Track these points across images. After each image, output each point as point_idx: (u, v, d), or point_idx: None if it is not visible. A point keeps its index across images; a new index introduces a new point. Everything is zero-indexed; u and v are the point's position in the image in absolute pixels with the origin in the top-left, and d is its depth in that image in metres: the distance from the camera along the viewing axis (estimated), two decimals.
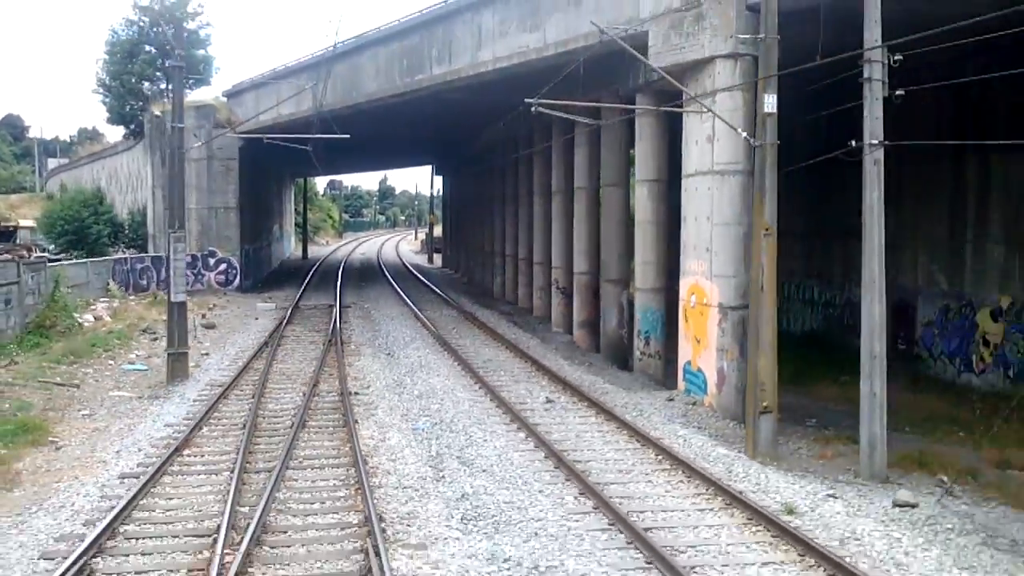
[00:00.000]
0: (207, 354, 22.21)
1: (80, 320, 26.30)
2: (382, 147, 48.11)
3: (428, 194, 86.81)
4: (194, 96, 41.65)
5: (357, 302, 33.73)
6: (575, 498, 10.86)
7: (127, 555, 9.22)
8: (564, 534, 9.59)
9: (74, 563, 8.63)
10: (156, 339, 24.13)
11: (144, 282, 34.03)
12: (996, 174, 19.54)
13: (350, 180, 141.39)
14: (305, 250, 67.89)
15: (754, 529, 9.86)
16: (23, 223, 63.20)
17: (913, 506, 10.77)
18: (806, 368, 19.76)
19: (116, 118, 47.35)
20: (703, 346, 16.20)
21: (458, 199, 54.65)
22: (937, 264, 21.55)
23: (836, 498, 11.01)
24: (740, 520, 10.10)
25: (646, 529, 9.61)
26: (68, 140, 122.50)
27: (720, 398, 15.68)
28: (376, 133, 37.87)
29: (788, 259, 18.25)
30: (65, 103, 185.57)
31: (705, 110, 15.11)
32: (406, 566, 8.73)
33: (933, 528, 10.18)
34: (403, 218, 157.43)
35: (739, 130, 13.96)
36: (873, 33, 12.25)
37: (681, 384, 17.12)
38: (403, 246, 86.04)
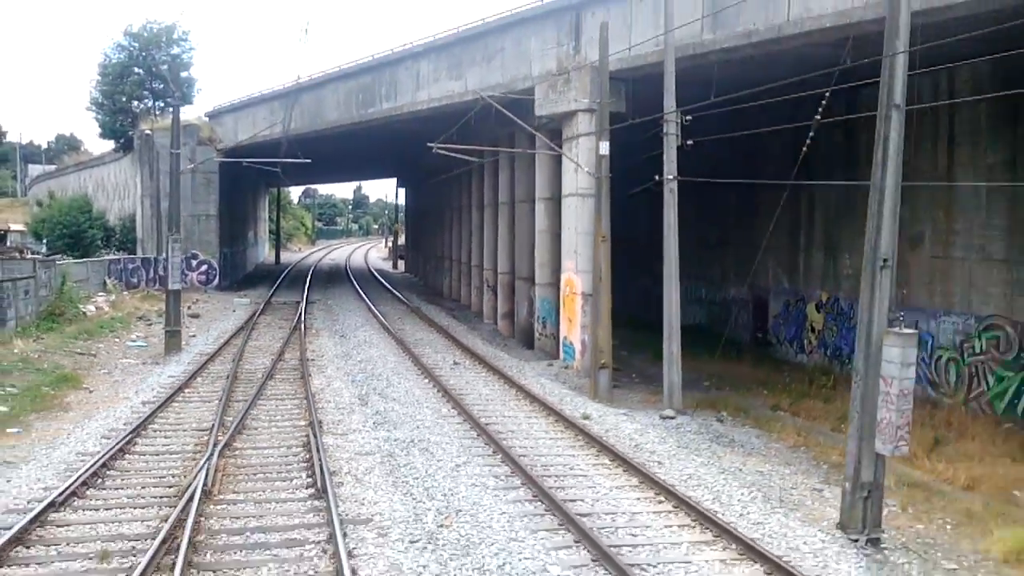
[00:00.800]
0: (194, 335, 27.36)
1: (84, 310, 31.33)
2: (348, 163, 53.61)
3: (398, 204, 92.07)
4: (186, 116, 46.75)
5: (321, 299, 38.98)
6: (448, 410, 16.35)
7: (155, 439, 14.49)
8: (433, 425, 15.09)
9: (123, 439, 13.90)
10: (151, 324, 29.28)
11: (135, 280, 39.01)
12: (818, 199, 25.14)
13: (325, 189, 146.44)
14: (278, 255, 72.90)
15: (560, 426, 15.35)
16: (13, 227, 67.90)
17: (672, 418, 16.28)
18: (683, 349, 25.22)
19: (107, 133, 52.22)
20: (573, 324, 21.67)
21: (416, 210, 60.07)
22: (782, 268, 27.10)
23: (626, 416, 16.51)
24: (551, 421, 15.64)
25: (487, 424, 15.07)
26: (47, 146, 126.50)
27: (583, 362, 21.13)
28: (341, 151, 43.32)
29: (683, 264, 23.46)
30: (40, 108, 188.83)
31: (571, 150, 20.62)
32: (332, 442, 14.08)
33: (678, 430, 15.70)
34: (376, 226, 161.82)
35: (583, 167, 19.48)
36: (669, 101, 17.76)
37: (560, 354, 22.59)
38: (372, 253, 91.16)
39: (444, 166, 41.93)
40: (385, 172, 68.03)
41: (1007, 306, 17.45)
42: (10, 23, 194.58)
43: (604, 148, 18.55)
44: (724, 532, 10.20)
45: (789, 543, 10.12)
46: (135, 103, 51.10)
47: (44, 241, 52.97)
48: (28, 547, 9.62)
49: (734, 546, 9.89)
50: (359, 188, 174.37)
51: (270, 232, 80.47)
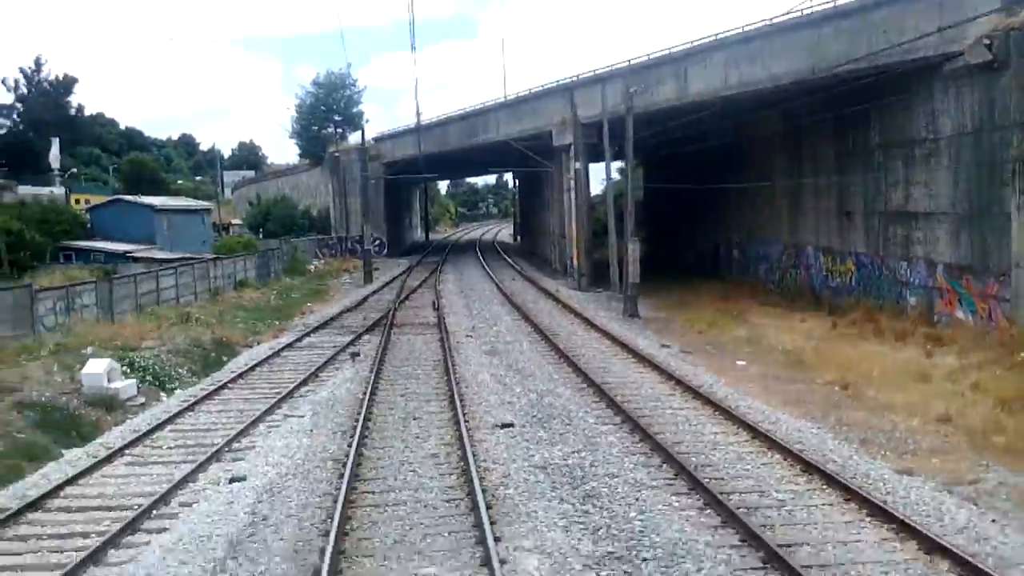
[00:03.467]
0: (378, 275, 47.27)
1: (308, 267, 52.15)
2: (464, 169, 73.09)
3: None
4: (354, 139, 67.58)
5: (452, 259, 58.59)
6: (500, 298, 35.29)
7: (369, 306, 34.04)
8: (491, 299, 34.14)
9: (357, 303, 33.57)
10: (350, 274, 49.51)
11: (333, 251, 59.77)
12: (734, 191, 41.99)
13: (472, 178, 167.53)
14: (427, 235, 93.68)
15: (544, 296, 33.92)
16: (234, 222, 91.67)
17: (600, 291, 34.45)
18: (672, 275, 42.90)
19: (305, 153, 73.94)
20: (574, 257, 39.89)
21: (523, 196, 78.99)
22: (724, 230, 44.04)
23: (580, 291, 34.80)
24: (543, 296, 34.28)
25: (512, 299, 33.81)
26: (231, 153, 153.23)
27: (574, 273, 39.28)
28: (458, 162, 62.82)
29: (680, 231, 40.84)
30: (225, 119, 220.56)
31: (569, 167, 38.88)
32: (445, 303, 33.10)
33: (598, 296, 33.82)
34: (513, 210, 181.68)
35: (572, 175, 37.77)
36: (628, 149, 35.56)
37: (568, 273, 40.85)
38: (503, 232, 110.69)
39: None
40: (502, 168, 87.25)
41: (790, 236, 34.51)
42: (198, 39, 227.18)
43: (579, 165, 36.67)
44: (567, 308, 28.51)
45: (599, 318, 28.13)
46: (323, 131, 72.64)
47: (260, 231, 75.27)
48: (334, 320, 29.11)
49: (578, 319, 28.12)
50: (500, 176, 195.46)
51: (421, 218, 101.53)
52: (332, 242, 60.52)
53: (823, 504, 10.70)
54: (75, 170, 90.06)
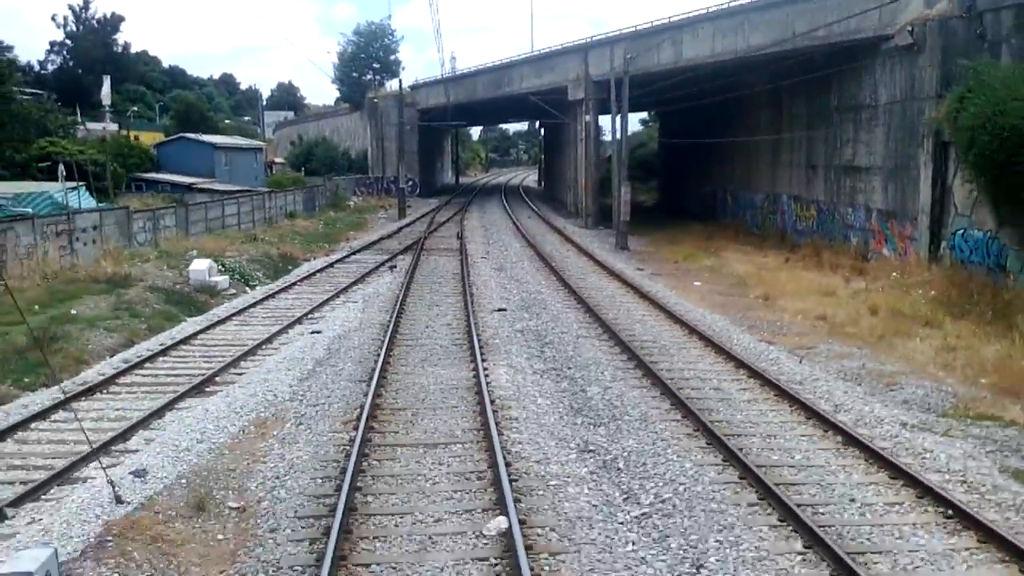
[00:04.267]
0: (410, 212, 52.96)
1: (348, 203, 57.96)
2: (491, 116, 78.15)
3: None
4: (391, 85, 72.87)
5: (478, 200, 64.08)
6: (515, 231, 40.87)
7: (403, 235, 39.77)
8: (505, 229, 39.76)
9: (393, 233, 39.36)
10: (386, 210, 55.25)
11: (371, 190, 65.51)
12: (727, 145, 46.88)
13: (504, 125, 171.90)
14: (457, 179, 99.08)
15: (553, 232, 39.45)
16: (276, 160, 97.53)
17: (603, 230, 39.87)
18: (675, 222, 48.22)
19: (345, 98, 79.26)
20: (584, 200, 45.23)
21: (546, 144, 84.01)
22: (727, 179, 49.07)
23: (586, 229, 40.29)
24: (552, 231, 39.83)
25: (525, 233, 39.36)
26: (270, 93, 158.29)
27: (583, 214, 44.68)
28: (485, 110, 67.94)
29: (687, 179, 46.40)
30: (261, 57, 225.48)
31: (581, 119, 44.04)
32: (467, 236, 38.76)
33: (600, 233, 39.27)
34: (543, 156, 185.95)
35: (583, 126, 42.97)
36: (624, 107, 40.63)
37: (579, 214, 46.24)
38: (530, 178, 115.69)
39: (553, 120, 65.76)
40: (529, 117, 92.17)
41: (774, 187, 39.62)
42: None
43: (589, 118, 41.83)
44: (570, 241, 34.05)
45: (593, 249, 33.63)
46: (362, 78, 77.91)
47: (302, 169, 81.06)
48: (374, 245, 34.91)
49: (575, 249, 33.66)
50: (532, 123, 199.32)
51: (452, 162, 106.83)
52: (369, 181, 66.21)
53: (694, 349, 16.42)
54: (128, 108, 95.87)
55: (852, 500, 9.48)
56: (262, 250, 30.02)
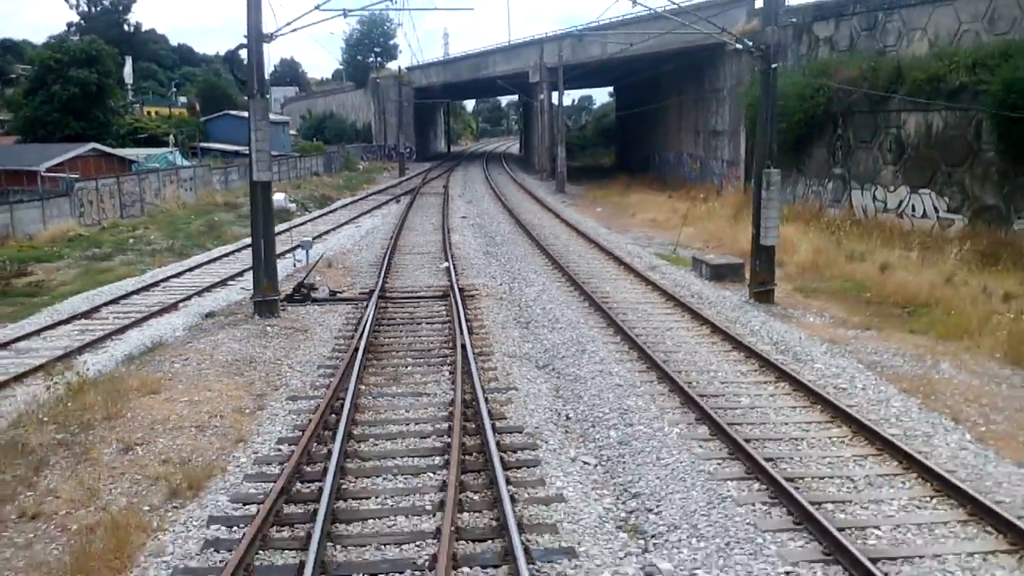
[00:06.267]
0: (407, 173, 66.55)
1: (358, 166, 71.57)
2: (480, 91, 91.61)
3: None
4: (390, 66, 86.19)
5: (464, 164, 77.74)
6: (488, 186, 54.60)
7: (402, 186, 53.50)
8: (480, 185, 53.54)
9: (395, 184, 53.11)
10: (389, 171, 68.80)
11: (375, 156, 78.93)
12: (660, 112, 60.39)
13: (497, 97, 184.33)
14: (448, 147, 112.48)
15: (522, 191, 53.19)
16: (290, 132, 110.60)
17: (550, 180, 53.68)
18: (616, 177, 61.77)
19: (350, 77, 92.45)
20: (552, 161, 58.87)
21: (524, 115, 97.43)
22: (656, 142, 62.62)
23: (538, 181, 54.05)
24: (520, 190, 53.57)
25: (499, 191, 53.09)
26: (273, 69, 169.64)
27: (548, 174, 58.37)
28: (471, 88, 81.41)
29: (634, 143, 60.17)
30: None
31: (540, 98, 57.61)
32: (453, 192, 52.44)
33: (549, 184, 53.02)
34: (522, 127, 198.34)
35: (541, 104, 56.59)
36: (560, 91, 54.18)
37: (546, 175, 59.93)
38: (514, 147, 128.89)
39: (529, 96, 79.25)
40: (512, 92, 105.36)
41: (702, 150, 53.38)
42: None
43: (543, 96, 55.36)
44: (523, 187, 47.77)
45: (538, 193, 47.29)
46: (365, 60, 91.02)
47: (313, 139, 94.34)
48: (382, 192, 48.63)
49: (525, 192, 47.35)
50: (521, 95, 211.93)
51: (444, 132, 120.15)
52: (374, 149, 79.73)
53: (568, 235, 30.29)
54: (142, 86, 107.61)
55: (627, 296, 23.36)
56: (307, 192, 43.80)
